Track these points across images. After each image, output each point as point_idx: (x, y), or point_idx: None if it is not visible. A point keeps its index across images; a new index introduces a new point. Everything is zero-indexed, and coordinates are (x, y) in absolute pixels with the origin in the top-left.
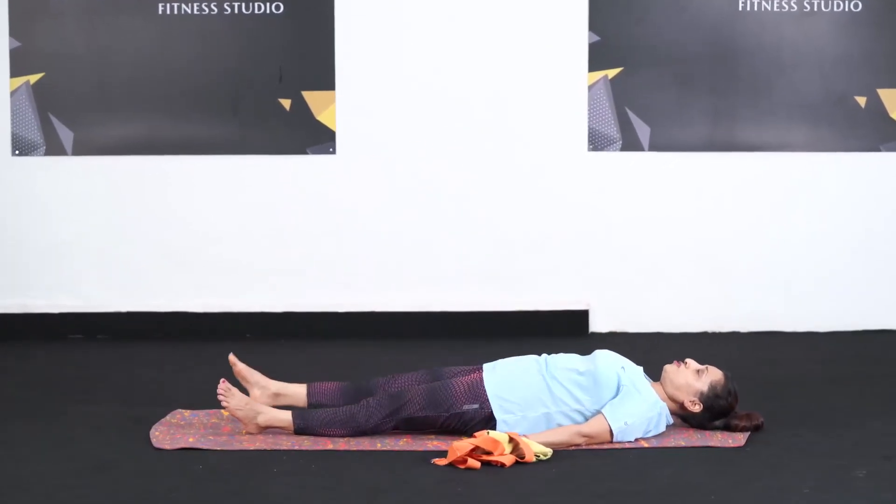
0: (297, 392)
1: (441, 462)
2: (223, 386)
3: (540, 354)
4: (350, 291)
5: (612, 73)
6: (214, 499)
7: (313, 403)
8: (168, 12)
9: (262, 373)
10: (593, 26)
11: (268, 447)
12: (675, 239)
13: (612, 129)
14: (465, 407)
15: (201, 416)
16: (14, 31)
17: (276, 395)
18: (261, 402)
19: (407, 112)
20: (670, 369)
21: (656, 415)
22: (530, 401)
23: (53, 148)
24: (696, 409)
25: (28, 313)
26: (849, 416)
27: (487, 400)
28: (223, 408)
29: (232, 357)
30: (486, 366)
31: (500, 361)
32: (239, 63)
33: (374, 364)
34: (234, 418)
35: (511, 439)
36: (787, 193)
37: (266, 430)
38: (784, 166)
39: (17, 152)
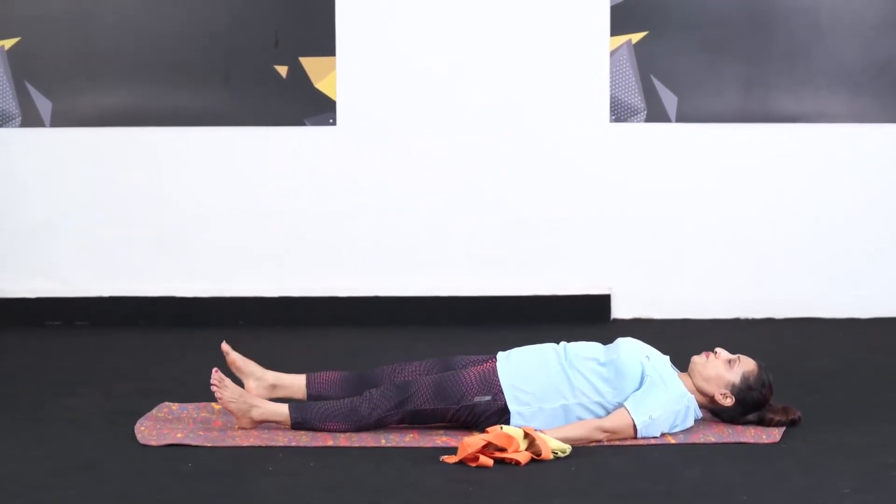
0: (296, 383)
1: (450, 460)
2: (216, 376)
3: (558, 342)
4: (352, 274)
5: (636, 37)
6: (205, 499)
7: (313, 395)
8: None
9: (258, 363)
10: None
11: (262, 443)
12: (704, 217)
13: (637, 99)
14: (477, 399)
15: (190, 409)
16: None
17: (273, 386)
18: (256, 394)
19: (414, 80)
20: (699, 361)
21: (683, 408)
22: (548, 392)
23: (30, 119)
24: (728, 402)
25: (2, 298)
26: (893, 410)
27: (501, 391)
28: (215, 400)
29: (225, 345)
30: (500, 354)
31: (515, 350)
32: (231, 26)
33: (378, 353)
34: (227, 412)
35: (526, 435)
36: (825, 168)
37: (261, 424)
38: (822, 139)
39: None
